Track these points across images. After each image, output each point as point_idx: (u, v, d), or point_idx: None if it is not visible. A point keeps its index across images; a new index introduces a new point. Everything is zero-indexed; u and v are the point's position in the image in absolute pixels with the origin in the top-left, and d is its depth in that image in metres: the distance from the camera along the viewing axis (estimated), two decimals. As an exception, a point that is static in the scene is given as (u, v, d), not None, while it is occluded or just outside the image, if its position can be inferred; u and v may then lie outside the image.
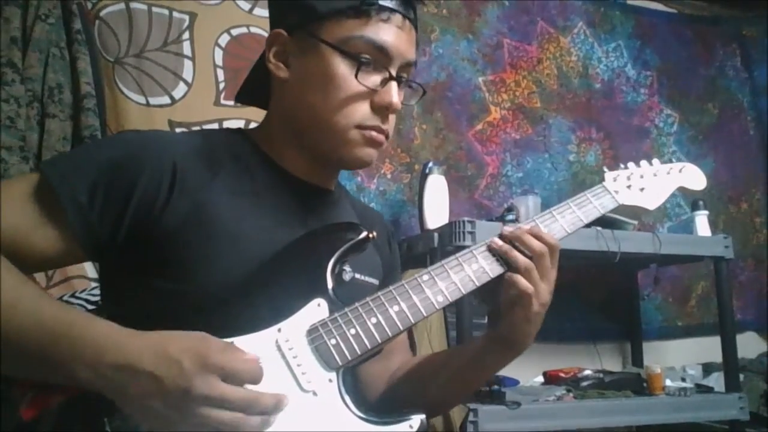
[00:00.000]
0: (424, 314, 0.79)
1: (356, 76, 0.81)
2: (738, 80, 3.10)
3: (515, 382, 2.09)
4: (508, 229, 0.85)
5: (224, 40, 2.16)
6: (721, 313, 2.15)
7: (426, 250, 1.88)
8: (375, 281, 0.94)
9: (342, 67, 0.82)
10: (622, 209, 0.98)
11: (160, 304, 0.76)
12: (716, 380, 2.27)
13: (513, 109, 2.59)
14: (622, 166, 1.02)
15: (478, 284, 0.83)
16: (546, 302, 0.83)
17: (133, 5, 2.03)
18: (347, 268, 0.85)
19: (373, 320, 0.76)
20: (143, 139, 0.81)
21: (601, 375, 2.09)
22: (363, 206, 1.09)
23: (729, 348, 2.11)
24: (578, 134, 2.69)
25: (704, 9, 3.12)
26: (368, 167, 0.97)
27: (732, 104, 3.05)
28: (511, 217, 2.00)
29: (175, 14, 2.10)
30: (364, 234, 0.81)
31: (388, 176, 2.34)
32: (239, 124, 2.04)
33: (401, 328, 0.78)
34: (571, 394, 1.96)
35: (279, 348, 0.73)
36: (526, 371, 2.16)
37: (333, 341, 0.74)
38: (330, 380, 0.73)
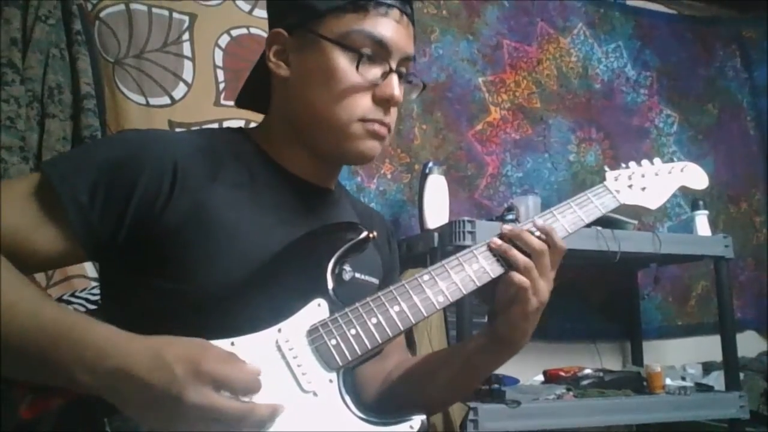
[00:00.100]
0: (425, 314, 0.79)
1: (357, 69, 0.82)
2: (738, 81, 3.10)
3: (515, 381, 2.08)
4: (507, 227, 0.85)
5: (224, 40, 2.16)
6: (721, 312, 2.15)
7: (426, 250, 1.88)
8: (375, 281, 0.94)
9: (343, 61, 0.82)
10: (622, 209, 0.98)
11: (160, 304, 0.76)
12: (716, 379, 2.27)
13: (513, 110, 2.59)
14: (623, 165, 1.01)
15: (478, 284, 0.83)
16: (544, 300, 0.83)
17: (133, 6, 2.03)
18: (347, 267, 0.84)
19: (374, 320, 0.76)
20: (144, 139, 0.81)
21: (601, 374, 2.09)
22: (363, 206, 1.09)
23: (729, 347, 2.12)
24: (578, 134, 2.69)
25: (704, 10, 3.12)
26: (370, 163, 0.97)
27: (732, 104, 3.05)
28: (511, 216, 2.00)
29: (175, 15, 2.10)
30: (364, 234, 0.80)
31: (388, 176, 2.33)
32: (239, 124, 2.02)
33: (402, 328, 0.78)
34: (571, 393, 1.96)
35: (279, 348, 0.73)
36: (526, 370, 2.16)
37: (333, 341, 0.74)
38: (330, 381, 0.73)
